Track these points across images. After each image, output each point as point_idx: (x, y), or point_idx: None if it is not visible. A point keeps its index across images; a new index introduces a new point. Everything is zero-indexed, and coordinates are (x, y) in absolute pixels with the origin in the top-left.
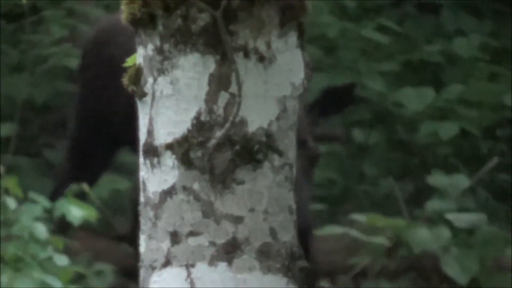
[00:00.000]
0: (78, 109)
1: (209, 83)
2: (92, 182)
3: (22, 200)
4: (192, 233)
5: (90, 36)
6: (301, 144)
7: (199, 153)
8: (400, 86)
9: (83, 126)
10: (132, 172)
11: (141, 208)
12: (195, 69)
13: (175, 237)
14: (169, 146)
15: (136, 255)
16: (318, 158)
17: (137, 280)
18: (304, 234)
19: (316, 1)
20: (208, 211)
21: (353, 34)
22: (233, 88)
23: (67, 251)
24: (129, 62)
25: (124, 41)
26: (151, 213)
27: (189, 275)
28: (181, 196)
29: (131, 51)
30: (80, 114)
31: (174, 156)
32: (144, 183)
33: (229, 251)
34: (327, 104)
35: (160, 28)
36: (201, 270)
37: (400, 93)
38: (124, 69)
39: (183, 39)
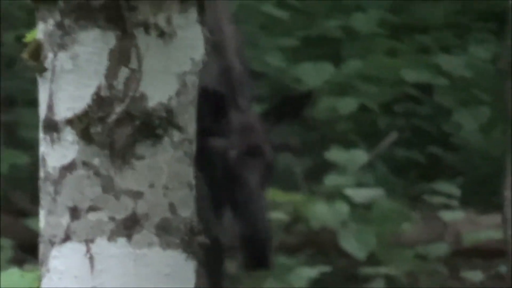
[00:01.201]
0: None
1: (109, 59)
2: None
3: None
4: (91, 208)
5: None
6: (257, 152)
7: (99, 129)
8: (300, 62)
9: None
10: (32, 147)
11: (40, 183)
12: (95, 45)
13: (74, 213)
14: (69, 122)
15: None
16: (274, 167)
17: (37, 255)
18: (263, 243)
19: None
20: (108, 187)
21: (253, 9)
22: (133, 64)
23: None
24: (28, 37)
25: None
26: (51, 188)
27: (88, 250)
28: (81, 171)
29: None
30: None
31: (74, 132)
32: (44, 158)
33: (128, 227)
34: (283, 111)
35: (61, 3)
36: (101, 245)
37: (299, 68)
38: None
39: (84, 14)
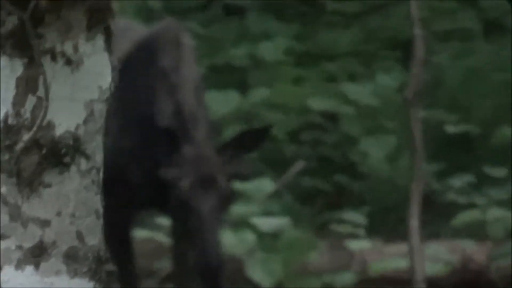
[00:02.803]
0: None
1: (17, 86)
2: None
3: None
4: None
5: None
6: (210, 182)
7: (6, 157)
8: (206, 90)
9: None
10: None
11: None
12: (3, 72)
13: None
14: None
15: None
16: (231, 198)
17: None
18: (216, 273)
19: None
20: (15, 215)
21: None
22: (41, 92)
23: None
24: None
25: None
26: None
27: None
28: None
29: None
30: None
31: None
32: None
33: (36, 255)
34: (241, 144)
35: None
36: (8, 273)
37: (206, 96)
38: None
39: None
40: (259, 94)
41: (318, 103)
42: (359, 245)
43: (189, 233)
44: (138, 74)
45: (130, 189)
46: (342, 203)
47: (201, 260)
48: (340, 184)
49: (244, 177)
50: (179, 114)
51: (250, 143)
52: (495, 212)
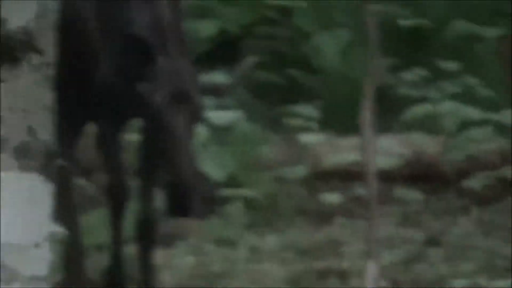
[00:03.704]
0: None
1: None
2: None
3: None
4: None
5: None
6: (184, 97)
7: None
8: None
9: None
10: None
11: None
12: None
13: None
14: None
15: None
16: (203, 112)
17: None
18: (187, 190)
19: None
20: None
21: None
22: None
23: None
24: None
25: None
26: None
27: None
28: None
29: None
30: None
31: None
32: None
33: None
34: (215, 56)
35: None
36: None
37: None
38: None
39: None
40: None
41: None
42: (312, 138)
43: (162, 148)
44: None
45: (114, 100)
46: (296, 97)
47: (174, 174)
48: (293, 78)
49: (218, 92)
50: (156, 26)
51: (224, 55)
52: (447, 106)
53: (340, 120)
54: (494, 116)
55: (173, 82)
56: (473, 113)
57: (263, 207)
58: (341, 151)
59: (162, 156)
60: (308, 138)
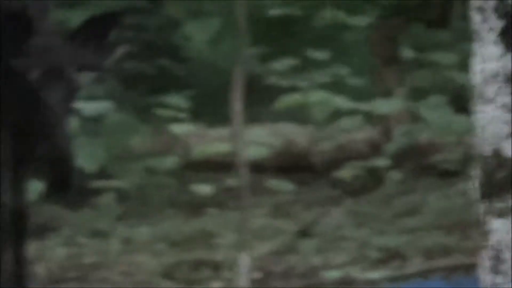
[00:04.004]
0: None
1: None
2: None
3: None
4: None
5: None
6: (59, 73)
7: None
8: None
9: None
10: None
11: None
12: None
13: None
14: None
15: None
16: (78, 89)
17: None
18: (65, 163)
19: None
20: None
21: None
22: None
23: None
24: None
25: None
26: None
27: None
28: None
29: None
30: None
31: None
32: None
33: None
34: (90, 32)
35: None
36: None
37: None
38: None
39: None
40: None
41: None
42: (182, 129)
43: (37, 125)
44: None
45: None
46: (166, 87)
47: (50, 153)
48: (163, 67)
49: (93, 67)
50: (31, 4)
51: (99, 31)
52: (317, 95)
53: (210, 110)
54: (364, 106)
55: (47, 59)
56: (343, 102)
57: (134, 198)
58: (212, 142)
59: (38, 133)
60: (178, 129)
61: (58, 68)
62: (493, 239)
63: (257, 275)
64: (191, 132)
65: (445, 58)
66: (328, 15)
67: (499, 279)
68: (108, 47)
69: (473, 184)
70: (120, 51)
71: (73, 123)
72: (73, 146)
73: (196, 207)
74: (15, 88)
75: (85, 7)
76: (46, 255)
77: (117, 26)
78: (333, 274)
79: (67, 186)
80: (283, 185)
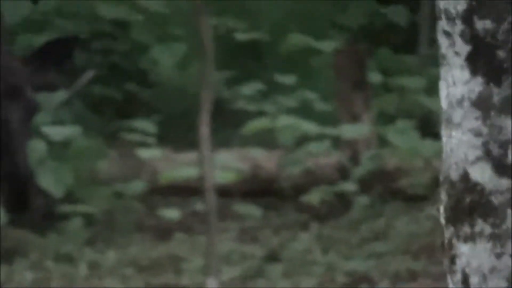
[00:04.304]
0: None
1: None
2: None
3: None
4: None
5: None
6: (18, 94)
7: None
8: None
9: None
10: None
11: None
12: None
13: None
14: None
15: None
16: (37, 109)
17: None
18: (24, 182)
19: None
20: None
21: None
22: None
23: None
24: None
25: None
26: None
27: None
28: None
29: None
30: None
31: None
32: None
33: None
34: (48, 54)
35: None
36: None
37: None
38: None
39: None
40: (49, 2)
41: (108, 11)
42: (150, 153)
43: None
44: None
45: None
46: (133, 112)
47: (9, 169)
48: (130, 92)
49: (51, 88)
50: None
51: (58, 53)
52: (285, 120)
53: (178, 134)
54: (332, 130)
55: (5, 79)
56: (311, 127)
57: (101, 223)
58: (179, 166)
59: None
60: (146, 153)
61: (17, 88)
62: (461, 264)
63: None
64: (158, 156)
65: (413, 82)
66: (295, 40)
67: None
68: (69, 68)
69: (440, 209)
70: (88, 75)
71: (40, 148)
72: (32, 165)
73: (164, 231)
74: None
75: (52, 31)
76: (14, 279)
77: (80, 49)
78: None
79: (26, 206)
80: (251, 210)
